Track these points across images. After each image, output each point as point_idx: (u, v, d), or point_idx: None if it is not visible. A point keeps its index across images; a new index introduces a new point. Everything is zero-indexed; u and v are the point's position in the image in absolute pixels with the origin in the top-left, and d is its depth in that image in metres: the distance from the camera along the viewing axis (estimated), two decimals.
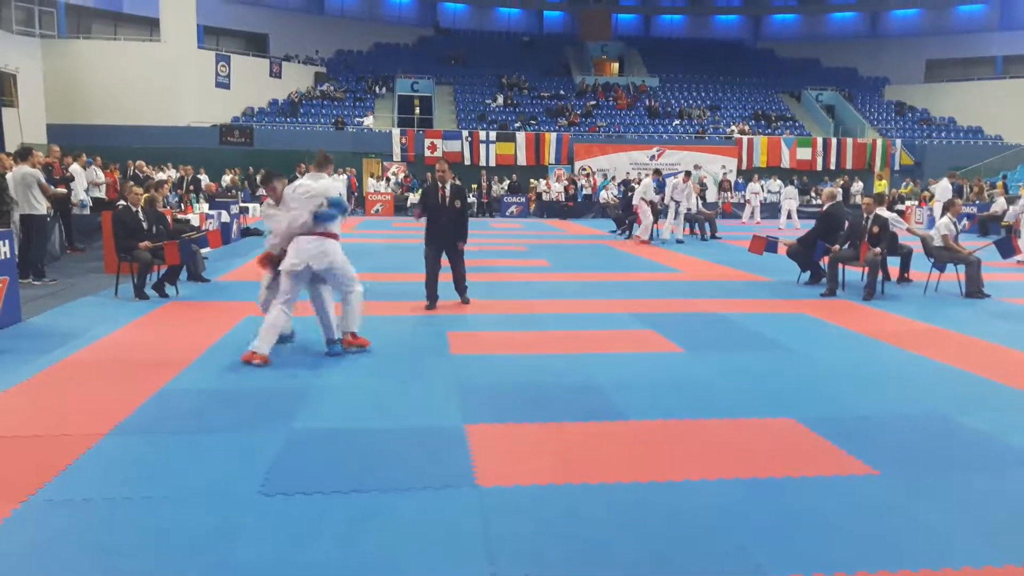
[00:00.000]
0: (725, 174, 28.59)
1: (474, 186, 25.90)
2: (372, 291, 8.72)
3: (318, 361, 6.08)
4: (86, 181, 14.81)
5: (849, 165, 30.49)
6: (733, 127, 32.55)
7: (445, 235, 8.31)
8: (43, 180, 10.06)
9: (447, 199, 8.27)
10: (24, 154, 10.17)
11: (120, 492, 3.61)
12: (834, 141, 31.04)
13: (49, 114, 26.92)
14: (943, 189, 18.97)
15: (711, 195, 26.32)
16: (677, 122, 33.20)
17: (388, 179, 27.09)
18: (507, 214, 25.95)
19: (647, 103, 34.66)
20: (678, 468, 3.95)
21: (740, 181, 28.07)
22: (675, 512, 3.45)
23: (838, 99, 35.93)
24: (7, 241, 7.38)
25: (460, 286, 8.63)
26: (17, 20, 26.79)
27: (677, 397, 5.21)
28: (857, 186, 27.28)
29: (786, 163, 30.20)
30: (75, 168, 14.25)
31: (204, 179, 21.73)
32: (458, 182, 8.85)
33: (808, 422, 4.67)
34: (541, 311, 8.38)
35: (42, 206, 9.93)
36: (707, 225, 17.78)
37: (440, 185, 8.30)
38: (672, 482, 3.77)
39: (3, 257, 7.23)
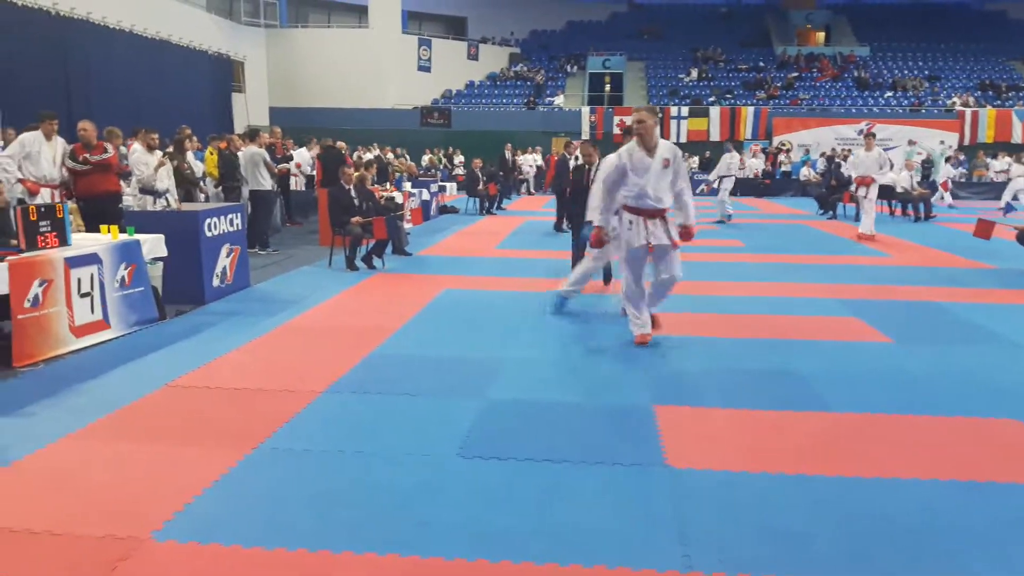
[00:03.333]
0: (948, 149, 26.11)
1: None
2: (552, 268, 8.89)
3: (510, 334, 6.30)
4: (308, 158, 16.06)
5: None
6: (955, 99, 29.59)
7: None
8: (268, 159, 11.06)
9: (591, 182, 8.26)
10: (252, 135, 11.23)
11: (335, 445, 3.94)
12: None
13: (271, 98, 29.47)
14: None
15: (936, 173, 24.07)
16: (889, 94, 30.66)
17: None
18: (697, 192, 25.21)
19: (856, 74, 32.25)
20: (884, 465, 3.71)
21: (962, 157, 25.56)
22: (880, 510, 3.25)
23: None
24: (239, 214, 8.20)
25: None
26: (245, 12, 29.40)
27: (884, 390, 4.88)
28: None
29: (1017, 138, 27.09)
30: (302, 153, 15.37)
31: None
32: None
33: None
34: (734, 293, 8.12)
35: (268, 183, 10.93)
36: (921, 205, 16.38)
37: (587, 168, 8.28)
38: (879, 479, 3.55)
39: (236, 229, 8.04)
